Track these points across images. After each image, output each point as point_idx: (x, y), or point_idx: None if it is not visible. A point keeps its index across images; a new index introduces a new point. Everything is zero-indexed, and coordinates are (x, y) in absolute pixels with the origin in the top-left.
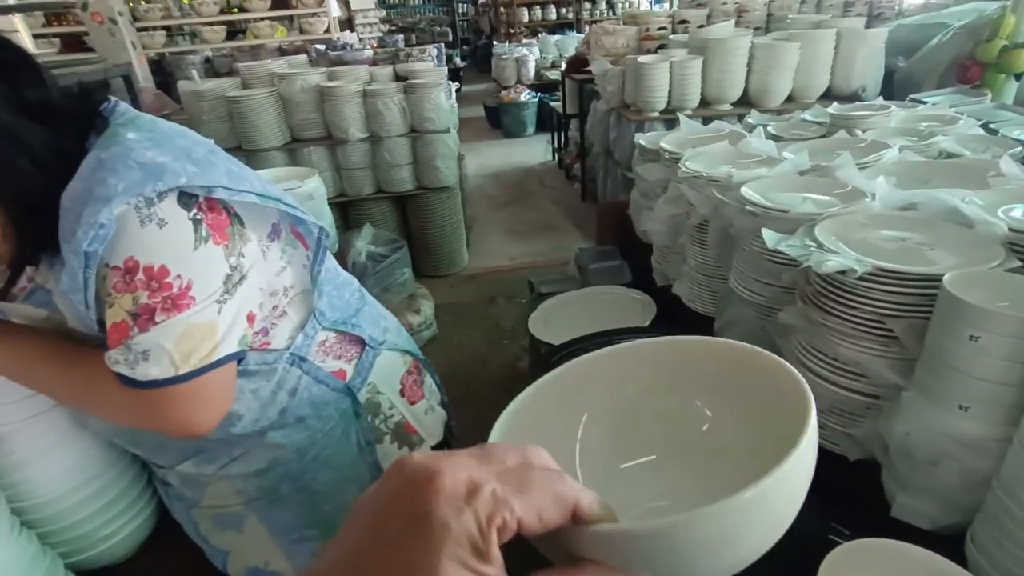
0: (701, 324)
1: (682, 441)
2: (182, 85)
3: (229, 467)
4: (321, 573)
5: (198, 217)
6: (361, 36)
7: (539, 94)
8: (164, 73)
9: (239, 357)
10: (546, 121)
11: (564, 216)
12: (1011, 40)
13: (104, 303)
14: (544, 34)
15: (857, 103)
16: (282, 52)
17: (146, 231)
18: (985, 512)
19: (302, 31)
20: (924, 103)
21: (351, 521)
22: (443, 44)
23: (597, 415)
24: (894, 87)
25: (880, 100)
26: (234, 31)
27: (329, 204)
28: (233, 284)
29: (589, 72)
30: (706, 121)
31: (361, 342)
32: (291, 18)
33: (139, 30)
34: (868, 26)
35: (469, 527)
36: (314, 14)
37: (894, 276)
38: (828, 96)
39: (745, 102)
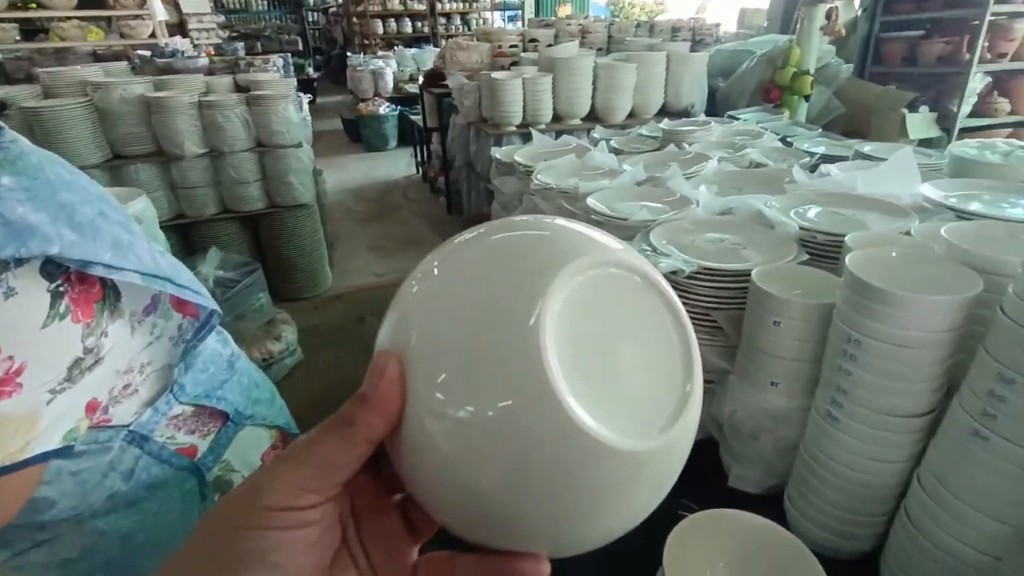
0: None
1: None
2: None
3: (28, 555)
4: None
5: (61, 289)
6: (196, 42)
7: (399, 107)
8: None
9: (58, 456)
10: (408, 134)
11: (431, 230)
12: (799, 67)
13: None
14: (400, 47)
15: (686, 119)
16: (97, 58)
17: None
18: (795, 474)
19: (123, 35)
20: (737, 119)
21: None
22: (291, 53)
23: None
24: (717, 104)
25: (703, 116)
26: (32, 31)
27: (164, 227)
28: (81, 370)
29: (446, 86)
30: (558, 135)
31: (224, 416)
32: (109, 19)
33: None
34: (692, 50)
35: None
36: (136, 16)
37: (715, 274)
38: (664, 112)
39: (594, 117)
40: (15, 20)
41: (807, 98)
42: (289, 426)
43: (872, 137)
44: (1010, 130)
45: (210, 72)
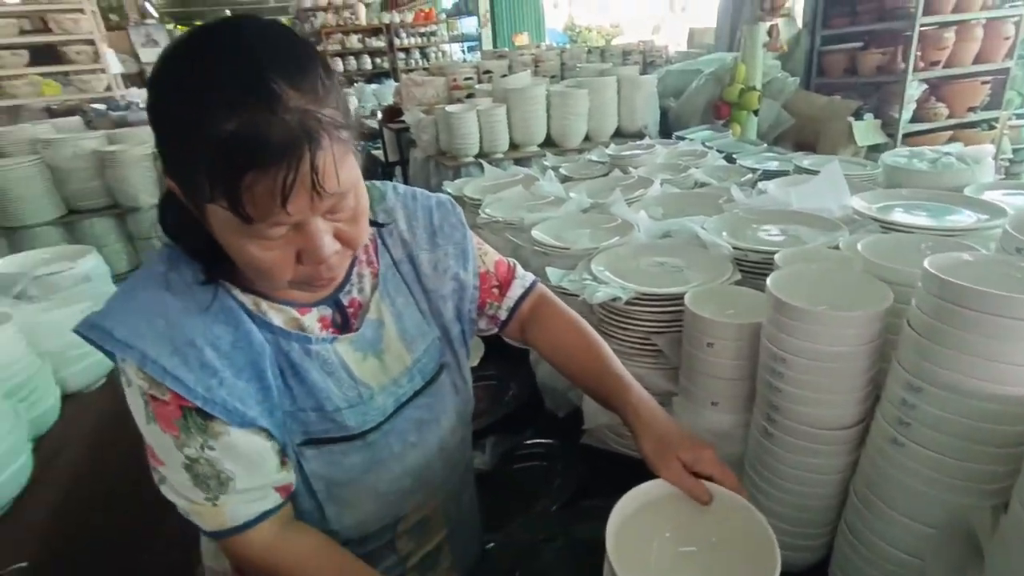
0: (520, 359)
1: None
2: None
3: None
4: None
5: (145, 396)
6: None
7: (363, 143)
8: None
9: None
10: (371, 170)
11: None
12: (745, 84)
13: None
14: (361, 83)
15: (631, 143)
16: (52, 113)
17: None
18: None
19: (80, 89)
20: (684, 139)
21: None
22: None
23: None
24: (670, 124)
25: (653, 138)
26: None
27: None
28: (206, 479)
29: (404, 121)
30: (517, 163)
31: None
32: (66, 73)
33: None
34: (643, 73)
35: None
36: (91, 71)
37: (652, 299)
38: (619, 135)
39: (551, 143)
40: None
41: (756, 113)
42: None
43: (821, 147)
44: (951, 132)
45: None
